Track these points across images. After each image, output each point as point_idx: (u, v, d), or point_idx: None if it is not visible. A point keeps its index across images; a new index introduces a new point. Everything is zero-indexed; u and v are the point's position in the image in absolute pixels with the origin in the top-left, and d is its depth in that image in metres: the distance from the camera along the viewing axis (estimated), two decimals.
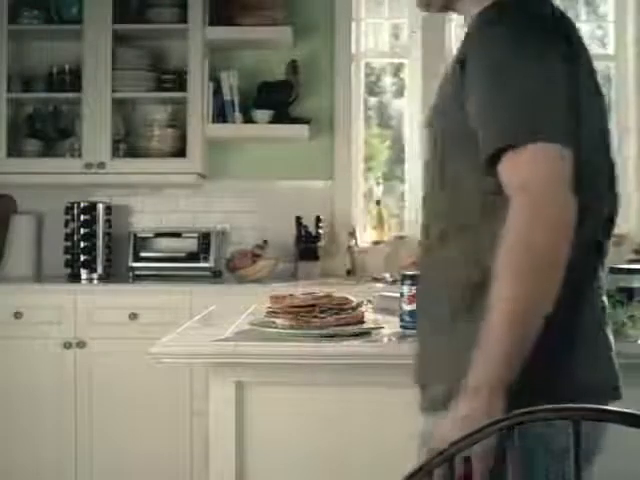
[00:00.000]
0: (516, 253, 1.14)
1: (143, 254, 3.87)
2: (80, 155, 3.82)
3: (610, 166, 1.33)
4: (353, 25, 4.14)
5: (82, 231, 3.83)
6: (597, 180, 1.29)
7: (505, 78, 1.19)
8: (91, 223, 3.85)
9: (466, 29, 1.38)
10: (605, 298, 1.34)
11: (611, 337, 1.31)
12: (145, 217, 4.10)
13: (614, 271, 2.09)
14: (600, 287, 1.32)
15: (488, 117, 1.21)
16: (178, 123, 3.94)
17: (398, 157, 4.31)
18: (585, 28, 4.31)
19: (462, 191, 1.29)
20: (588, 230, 1.25)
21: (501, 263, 1.16)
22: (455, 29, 4.20)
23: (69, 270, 3.84)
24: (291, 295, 1.93)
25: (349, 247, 4.00)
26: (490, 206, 1.22)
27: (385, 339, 1.87)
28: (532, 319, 1.15)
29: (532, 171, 1.15)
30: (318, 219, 3.95)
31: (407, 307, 1.91)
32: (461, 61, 1.26)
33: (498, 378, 1.15)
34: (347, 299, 1.93)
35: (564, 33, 1.26)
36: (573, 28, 1.29)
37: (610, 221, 1.32)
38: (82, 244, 3.82)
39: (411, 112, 4.21)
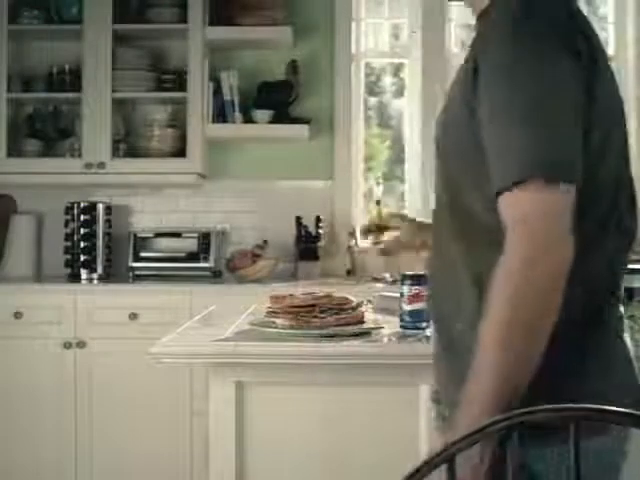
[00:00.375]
0: (513, 281, 1.14)
1: (143, 254, 3.87)
2: (80, 155, 3.81)
3: (629, 178, 1.31)
4: (353, 25, 4.14)
5: (82, 231, 3.83)
6: (618, 194, 1.27)
7: (518, 81, 1.17)
8: (91, 223, 3.85)
9: (475, 22, 1.36)
10: (622, 307, 1.33)
11: (629, 344, 1.31)
12: (145, 217, 4.10)
13: None
14: (618, 297, 1.31)
15: (496, 143, 1.19)
16: (178, 123, 3.94)
17: (398, 157, 4.31)
18: None
19: (469, 209, 1.28)
20: (607, 247, 1.25)
21: (497, 290, 1.15)
22: (455, 29, 4.21)
23: (69, 270, 3.84)
24: (291, 295, 1.93)
25: (349, 247, 4.00)
26: (497, 227, 1.21)
27: (385, 339, 1.87)
28: (529, 343, 1.15)
29: (533, 206, 1.15)
30: (318, 219, 3.95)
31: (407, 307, 1.91)
32: (473, 62, 1.24)
33: (487, 401, 1.14)
34: (347, 299, 1.93)
35: (582, 31, 1.23)
36: (589, 25, 1.27)
37: (630, 234, 1.30)
38: (82, 244, 3.82)
39: (411, 112, 4.21)
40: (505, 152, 1.18)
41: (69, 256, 3.83)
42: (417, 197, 4.13)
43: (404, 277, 1.94)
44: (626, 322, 1.33)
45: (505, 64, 1.19)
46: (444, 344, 1.36)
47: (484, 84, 1.21)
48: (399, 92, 4.34)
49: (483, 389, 1.15)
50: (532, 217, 1.15)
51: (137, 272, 3.85)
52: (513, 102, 1.18)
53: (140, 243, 3.88)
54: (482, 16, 1.34)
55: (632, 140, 4.12)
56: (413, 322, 1.91)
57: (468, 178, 1.28)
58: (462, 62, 1.32)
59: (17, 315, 3.49)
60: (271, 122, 3.90)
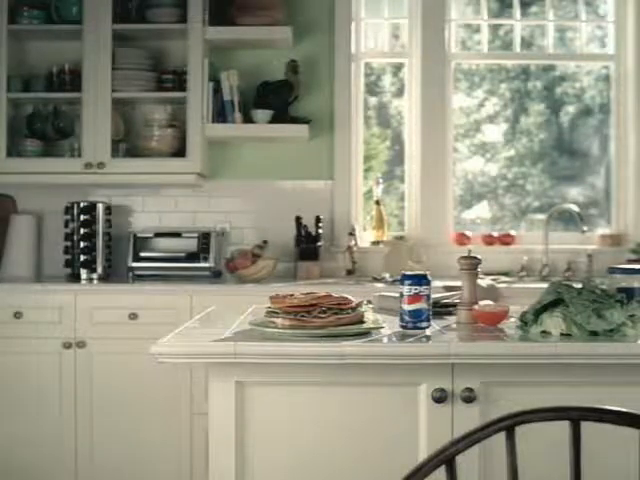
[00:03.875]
0: None
1: (143, 254, 3.87)
2: (80, 155, 3.82)
3: None
4: (353, 25, 4.15)
5: (82, 231, 3.83)
6: None
7: None
8: (91, 223, 3.85)
9: None
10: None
11: None
12: (145, 217, 4.10)
13: (614, 271, 2.10)
14: None
15: None
16: (178, 123, 3.94)
17: (398, 157, 4.31)
18: (585, 28, 4.31)
19: None
20: None
21: None
22: (455, 29, 4.21)
23: (69, 270, 3.84)
24: (291, 295, 1.93)
25: (349, 247, 4.00)
26: None
27: (385, 339, 1.87)
28: None
29: None
30: (318, 219, 3.95)
31: (407, 307, 1.91)
32: None
33: None
34: (347, 299, 1.92)
35: None
36: None
37: None
38: (82, 244, 3.83)
39: (411, 112, 4.21)
40: None
41: (69, 256, 3.84)
42: (417, 197, 4.13)
43: (404, 277, 1.94)
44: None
45: None
46: None
47: None
48: (399, 92, 4.34)
49: None
50: None
51: (137, 272, 3.85)
52: None
53: (140, 243, 3.88)
54: None
55: (631, 139, 4.14)
56: (413, 322, 1.91)
57: None
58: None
59: (17, 315, 3.49)
60: (271, 122, 3.91)
